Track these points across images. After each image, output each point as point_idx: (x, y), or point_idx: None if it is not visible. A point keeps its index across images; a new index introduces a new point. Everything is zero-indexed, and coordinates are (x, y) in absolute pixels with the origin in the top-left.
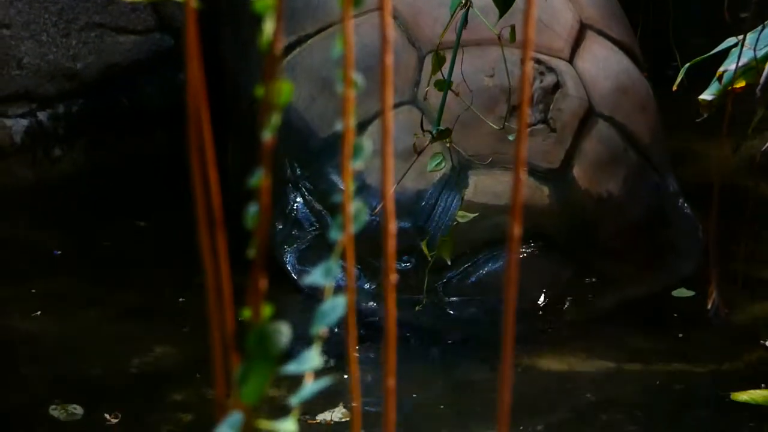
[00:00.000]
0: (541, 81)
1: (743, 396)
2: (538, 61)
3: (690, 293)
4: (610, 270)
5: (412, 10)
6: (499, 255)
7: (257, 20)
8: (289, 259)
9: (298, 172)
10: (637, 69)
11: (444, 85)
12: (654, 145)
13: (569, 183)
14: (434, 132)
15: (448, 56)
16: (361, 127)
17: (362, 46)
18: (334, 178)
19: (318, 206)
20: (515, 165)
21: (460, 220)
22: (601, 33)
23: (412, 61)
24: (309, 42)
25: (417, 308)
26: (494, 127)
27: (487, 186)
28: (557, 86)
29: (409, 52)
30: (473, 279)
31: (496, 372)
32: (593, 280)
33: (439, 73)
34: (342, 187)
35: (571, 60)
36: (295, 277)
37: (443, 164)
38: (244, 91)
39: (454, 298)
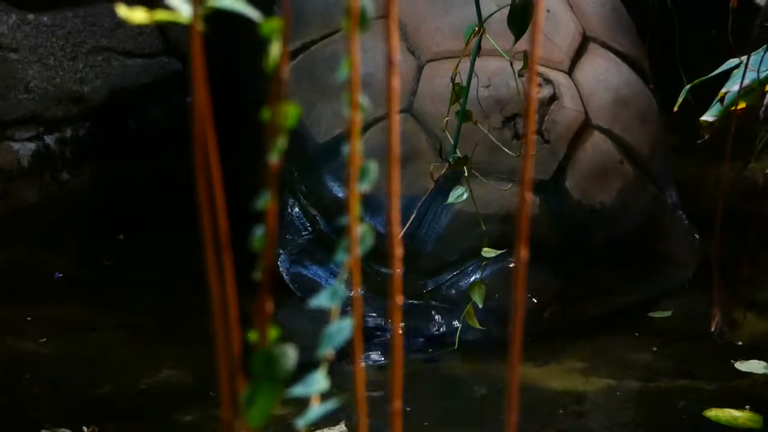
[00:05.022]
0: (538, 93)
1: (711, 413)
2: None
3: (667, 313)
4: (601, 280)
5: (413, 18)
6: (489, 263)
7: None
8: (282, 263)
9: (295, 176)
10: (641, 81)
11: (469, 116)
12: (653, 157)
13: (561, 194)
14: (452, 159)
15: (444, 65)
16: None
17: (363, 53)
18: (331, 183)
19: (313, 211)
20: (521, 187)
21: (486, 255)
22: (604, 45)
23: (411, 69)
24: (312, 48)
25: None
26: (502, 145)
27: (478, 195)
28: (553, 98)
29: (408, 60)
30: (463, 287)
31: (488, 383)
32: (584, 289)
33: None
34: (338, 194)
35: (570, 72)
36: (288, 281)
37: (464, 196)
38: (252, 94)
39: (443, 305)
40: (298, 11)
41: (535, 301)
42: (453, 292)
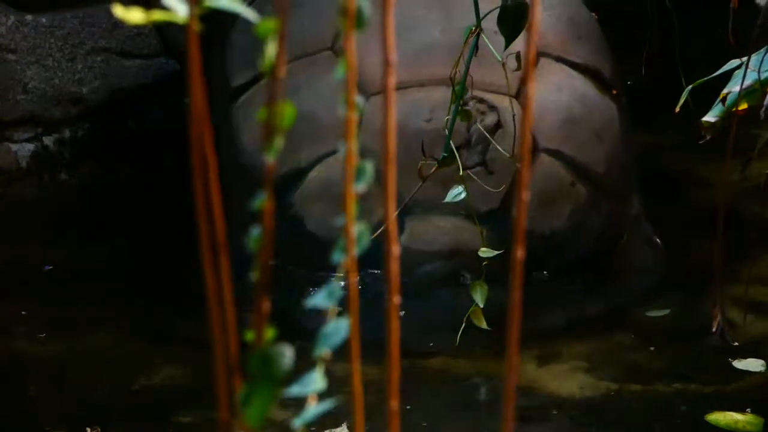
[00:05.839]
0: (482, 121)
1: (712, 416)
2: (480, 100)
3: (665, 311)
4: (555, 304)
5: (361, 50)
6: (431, 302)
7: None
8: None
9: (246, 211)
10: (599, 93)
11: (469, 116)
12: (610, 173)
13: (509, 224)
14: (440, 158)
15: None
16: (303, 173)
17: (308, 88)
18: (282, 220)
19: None
20: (518, 190)
21: (482, 255)
22: (559, 59)
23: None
24: (262, 82)
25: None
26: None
27: (421, 232)
28: (498, 126)
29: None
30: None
31: (487, 382)
32: (535, 310)
33: (456, 102)
34: (287, 230)
35: (518, 95)
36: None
37: (462, 195)
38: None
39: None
40: (252, 43)
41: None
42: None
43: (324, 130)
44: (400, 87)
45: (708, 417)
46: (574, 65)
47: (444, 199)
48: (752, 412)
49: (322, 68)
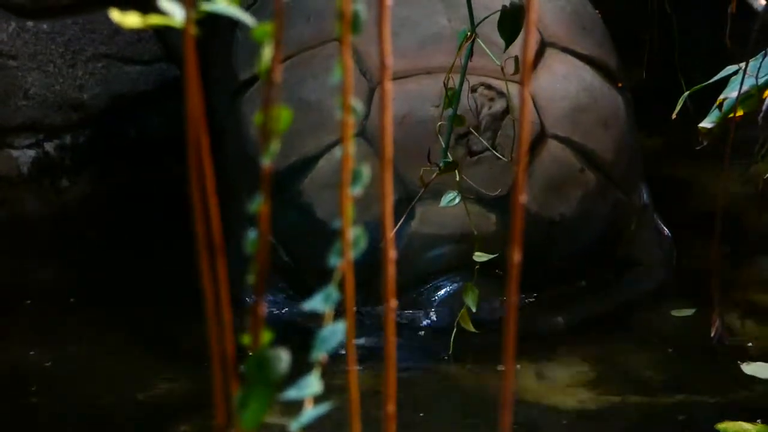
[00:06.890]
0: (490, 107)
1: (722, 426)
2: (488, 87)
3: (690, 311)
4: (563, 291)
5: (365, 38)
6: (445, 284)
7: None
8: (243, 298)
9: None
10: (605, 83)
11: (462, 121)
12: (617, 161)
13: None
14: (441, 165)
15: (395, 87)
16: (311, 161)
17: (313, 78)
18: (288, 210)
19: (272, 240)
20: (514, 191)
21: (477, 259)
22: (565, 50)
23: (362, 92)
24: None
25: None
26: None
27: (432, 216)
28: (506, 112)
29: (359, 82)
30: (420, 309)
31: (484, 388)
32: (545, 301)
33: (452, 105)
34: (294, 220)
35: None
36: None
37: (457, 200)
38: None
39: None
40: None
41: (491, 316)
42: (408, 314)
43: (332, 118)
44: (410, 75)
45: (718, 426)
46: (580, 56)
47: (453, 182)
48: (763, 422)
49: (330, 58)
